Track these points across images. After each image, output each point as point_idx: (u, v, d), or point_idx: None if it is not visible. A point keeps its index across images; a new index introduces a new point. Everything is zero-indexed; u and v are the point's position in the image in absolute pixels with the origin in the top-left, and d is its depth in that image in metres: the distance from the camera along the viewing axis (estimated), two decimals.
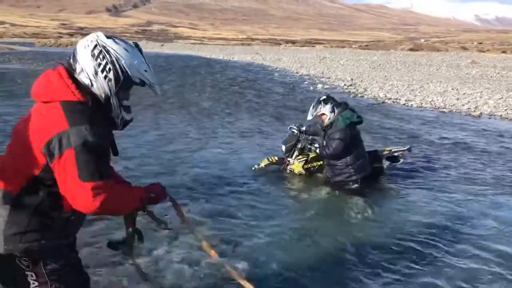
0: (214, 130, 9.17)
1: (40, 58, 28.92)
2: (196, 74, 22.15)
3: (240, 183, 5.87)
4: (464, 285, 3.56)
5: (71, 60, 1.98)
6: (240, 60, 35.49)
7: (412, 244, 4.24)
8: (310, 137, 6.19)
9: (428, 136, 9.25)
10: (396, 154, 6.21)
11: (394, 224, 4.72)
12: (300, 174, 6.19)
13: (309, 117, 5.76)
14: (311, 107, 5.73)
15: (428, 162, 7.20)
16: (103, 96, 1.97)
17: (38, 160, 1.86)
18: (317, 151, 5.81)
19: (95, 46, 1.94)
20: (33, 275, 1.94)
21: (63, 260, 2.04)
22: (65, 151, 1.79)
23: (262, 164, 6.32)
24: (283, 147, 6.36)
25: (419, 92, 16.19)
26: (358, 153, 5.63)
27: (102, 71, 1.93)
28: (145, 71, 2.05)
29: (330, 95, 5.92)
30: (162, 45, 73.14)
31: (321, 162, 6.14)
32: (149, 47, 64.52)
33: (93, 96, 1.96)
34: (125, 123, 2.10)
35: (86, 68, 1.93)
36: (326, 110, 5.58)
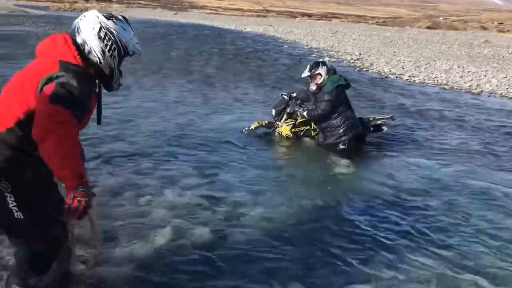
0: (214, 96, 9.48)
1: (54, 21, 29.16)
2: (205, 43, 22.30)
3: (229, 143, 6.21)
4: (441, 250, 3.78)
5: (76, 35, 2.29)
6: (252, 31, 35.34)
7: (392, 211, 4.43)
8: (299, 101, 6.51)
9: (421, 109, 9.47)
10: (379, 122, 6.51)
11: (375, 189, 4.94)
12: (287, 138, 6.52)
13: (305, 74, 6.17)
14: (308, 65, 6.16)
15: (415, 133, 7.46)
16: (108, 70, 2.35)
17: (29, 103, 2.11)
18: (304, 114, 6.17)
19: (100, 28, 2.27)
20: (11, 196, 2.17)
21: (40, 190, 2.28)
22: (49, 85, 2.07)
23: (252, 127, 6.65)
24: (273, 111, 6.68)
25: (424, 69, 16.24)
26: (347, 115, 6.01)
27: (109, 51, 2.29)
28: (136, 43, 2.42)
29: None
30: (176, 14, 72.54)
31: (308, 127, 6.46)
32: (163, 15, 64.24)
33: (95, 68, 2.32)
34: (120, 85, 2.51)
35: (95, 48, 2.28)
36: (322, 71, 6.02)
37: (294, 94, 6.56)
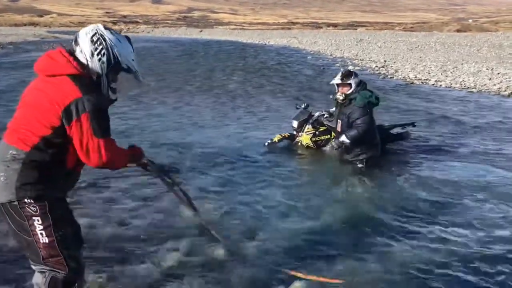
0: (235, 110, 9.57)
1: None
2: (228, 58, 22.56)
3: (251, 156, 6.24)
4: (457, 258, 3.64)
5: (73, 44, 2.39)
6: (276, 44, 35.58)
7: (408, 223, 4.26)
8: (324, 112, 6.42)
9: (445, 114, 9.26)
10: (400, 129, 6.39)
11: (393, 203, 4.74)
12: (308, 147, 6.47)
13: (335, 81, 5.68)
14: (340, 73, 5.70)
15: (439, 138, 7.27)
16: (95, 75, 2.39)
17: (52, 123, 2.22)
18: (346, 140, 5.54)
19: (95, 33, 2.37)
20: (39, 219, 2.26)
21: (62, 210, 2.39)
22: (82, 115, 2.21)
23: (275, 139, 6.62)
24: (294, 122, 6.61)
25: (451, 73, 15.92)
26: (370, 134, 5.63)
27: (98, 54, 2.35)
28: (132, 60, 2.48)
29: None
30: (201, 31, 73.76)
31: (329, 136, 6.37)
32: (188, 33, 65.44)
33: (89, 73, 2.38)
34: (111, 101, 2.50)
35: (84, 50, 2.35)
36: (353, 82, 5.55)
37: (317, 114, 6.45)
